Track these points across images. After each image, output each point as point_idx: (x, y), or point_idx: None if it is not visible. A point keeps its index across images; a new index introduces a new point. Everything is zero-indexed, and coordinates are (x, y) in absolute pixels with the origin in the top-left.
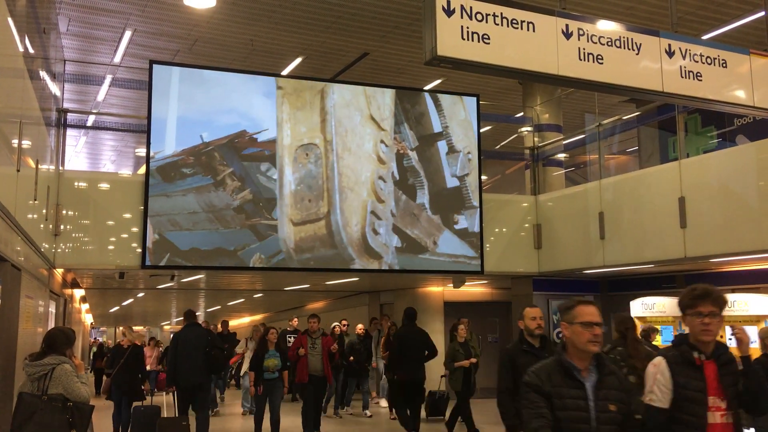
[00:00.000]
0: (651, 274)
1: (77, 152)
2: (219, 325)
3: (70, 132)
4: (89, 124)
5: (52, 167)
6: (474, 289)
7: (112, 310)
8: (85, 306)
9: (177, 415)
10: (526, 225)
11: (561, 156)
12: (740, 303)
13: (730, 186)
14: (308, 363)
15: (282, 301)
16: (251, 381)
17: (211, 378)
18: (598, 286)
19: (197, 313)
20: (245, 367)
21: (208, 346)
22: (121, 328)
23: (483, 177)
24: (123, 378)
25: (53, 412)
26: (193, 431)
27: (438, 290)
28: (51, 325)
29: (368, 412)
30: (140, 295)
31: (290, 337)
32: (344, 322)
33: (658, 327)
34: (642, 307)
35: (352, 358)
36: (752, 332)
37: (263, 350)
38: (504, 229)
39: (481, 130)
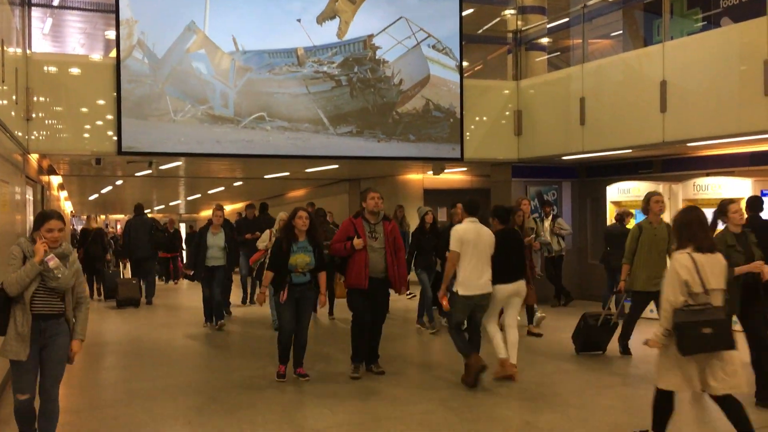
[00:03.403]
0: (628, 160)
1: (45, 35)
2: (245, 212)
3: (35, 13)
4: (55, 3)
5: (19, 50)
6: (454, 177)
7: (91, 198)
8: (64, 194)
9: (131, 277)
10: (507, 112)
11: (544, 40)
12: (714, 186)
13: (713, 69)
14: (368, 260)
15: (262, 189)
16: (265, 282)
17: (155, 252)
18: (576, 172)
19: (145, 206)
20: None
21: (151, 230)
22: (84, 216)
23: (464, 63)
24: (93, 252)
25: None
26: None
27: (418, 178)
28: (30, 211)
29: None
30: (119, 182)
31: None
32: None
33: (633, 211)
34: (618, 192)
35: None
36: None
37: (289, 241)
38: (485, 117)
39: (463, 13)
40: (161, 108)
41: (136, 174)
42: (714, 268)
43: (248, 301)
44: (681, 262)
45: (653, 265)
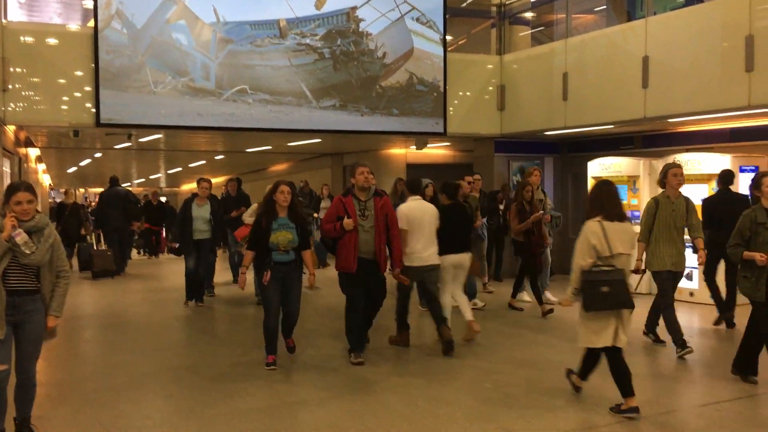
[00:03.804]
0: (610, 135)
1: (21, 3)
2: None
3: None
4: None
5: None
6: (436, 151)
7: (70, 171)
8: (42, 166)
9: (106, 249)
10: (490, 87)
11: (528, 15)
12: (693, 162)
13: (695, 45)
14: (357, 242)
15: (244, 163)
16: (245, 262)
17: (129, 224)
18: (558, 148)
19: (119, 179)
20: None
21: (125, 201)
22: (62, 189)
23: (448, 37)
24: (70, 225)
25: None
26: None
27: (401, 152)
28: (6, 182)
29: (478, 302)
30: (98, 155)
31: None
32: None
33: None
34: (599, 168)
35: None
36: (703, 191)
37: (269, 218)
38: (468, 92)
39: None
40: (141, 79)
41: (116, 146)
42: (621, 234)
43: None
44: (591, 229)
45: (675, 243)
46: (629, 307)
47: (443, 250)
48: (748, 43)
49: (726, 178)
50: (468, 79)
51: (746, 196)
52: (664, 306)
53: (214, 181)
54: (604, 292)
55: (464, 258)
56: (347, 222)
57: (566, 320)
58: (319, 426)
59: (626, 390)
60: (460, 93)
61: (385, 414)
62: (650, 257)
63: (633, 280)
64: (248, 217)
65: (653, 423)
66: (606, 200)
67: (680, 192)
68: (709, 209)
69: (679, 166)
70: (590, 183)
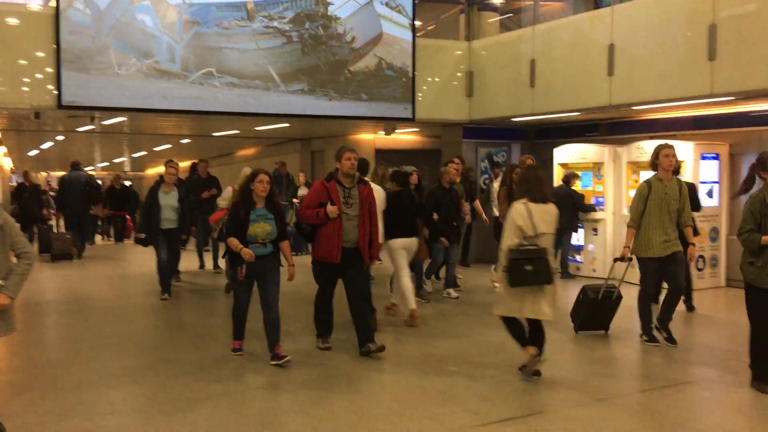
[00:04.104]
0: (576, 122)
1: None
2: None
3: None
4: None
5: None
6: (405, 137)
7: (31, 154)
8: (3, 149)
9: (65, 231)
10: (459, 73)
11: (497, 1)
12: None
13: (659, 34)
14: (341, 230)
15: (211, 147)
16: (235, 246)
17: (89, 207)
18: (525, 134)
19: (80, 162)
20: None
21: (86, 185)
22: (22, 171)
23: (417, 22)
24: (28, 207)
25: None
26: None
27: (369, 137)
28: None
29: (452, 292)
30: (60, 138)
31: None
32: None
33: (579, 173)
34: (565, 155)
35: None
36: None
37: (247, 207)
38: (437, 77)
39: None
40: (104, 61)
41: (78, 129)
42: (545, 215)
43: (215, 268)
44: (518, 211)
45: (666, 228)
46: (549, 283)
47: (392, 234)
48: (710, 33)
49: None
50: (437, 64)
51: (692, 184)
52: (642, 294)
53: (182, 165)
54: (528, 270)
55: (413, 242)
56: (331, 209)
57: None
58: (286, 410)
59: (521, 341)
60: (429, 79)
61: (354, 398)
62: (638, 243)
63: (620, 267)
64: (222, 200)
65: (617, 405)
66: (532, 184)
67: (673, 175)
68: None
69: (671, 147)
70: (557, 170)
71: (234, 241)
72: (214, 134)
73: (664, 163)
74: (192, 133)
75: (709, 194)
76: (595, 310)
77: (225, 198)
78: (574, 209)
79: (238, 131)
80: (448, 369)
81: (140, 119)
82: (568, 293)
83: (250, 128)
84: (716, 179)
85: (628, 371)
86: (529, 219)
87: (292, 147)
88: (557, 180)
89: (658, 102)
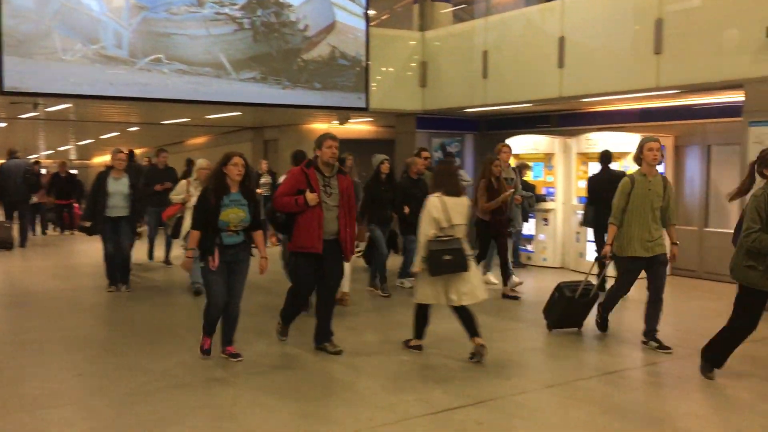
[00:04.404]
0: (527, 114)
1: None
2: (156, 158)
3: None
4: None
5: None
6: (359, 127)
7: None
8: None
9: (4, 220)
10: (413, 63)
11: None
12: (604, 141)
13: (608, 27)
14: (322, 219)
15: (160, 135)
16: (191, 243)
17: (29, 196)
18: (477, 125)
19: (18, 151)
20: (187, 226)
21: (26, 173)
22: None
23: (371, 11)
24: None
25: None
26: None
27: (323, 127)
28: None
29: (406, 282)
30: (2, 125)
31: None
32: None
33: (530, 164)
34: (517, 145)
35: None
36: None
37: (219, 193)
38: (390, 67)
39: None
40: (49, 46)
41: (21, 116)
42: (458, 207)
43: (166, 263)
44: (433, 204)
45: (649, 226)
46: (465, 270)
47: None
48: (657, 27)
49: (606, 157)
50: (390, 54)
51: (623, 173)
52: (614, 293)
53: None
54: (447, 260)
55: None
56: (311, 195)
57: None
58: (237, 401)
59: (419, 333)
60: (383, 68)
61: (306, 386)
62: (619, 241)
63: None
64: (176, 195)
65: (566, 392)
66: (445, 178)
67: (657, 170)
68: (592, 187)
69: (657, 140)
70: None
71: (194, 236)
72: (164, 122)
73: (648, 157)
74: (140, 121)
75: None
76: (570, 308)
77: (178, 192)
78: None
79: (188, 119)
80: (400, 358)
81: (86, 106)
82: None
83: (200, 116)
84: (662, 170)
85: (578, 358)
86: (444, 211)
87: (245, 136)
88: None
89: (606, 94)
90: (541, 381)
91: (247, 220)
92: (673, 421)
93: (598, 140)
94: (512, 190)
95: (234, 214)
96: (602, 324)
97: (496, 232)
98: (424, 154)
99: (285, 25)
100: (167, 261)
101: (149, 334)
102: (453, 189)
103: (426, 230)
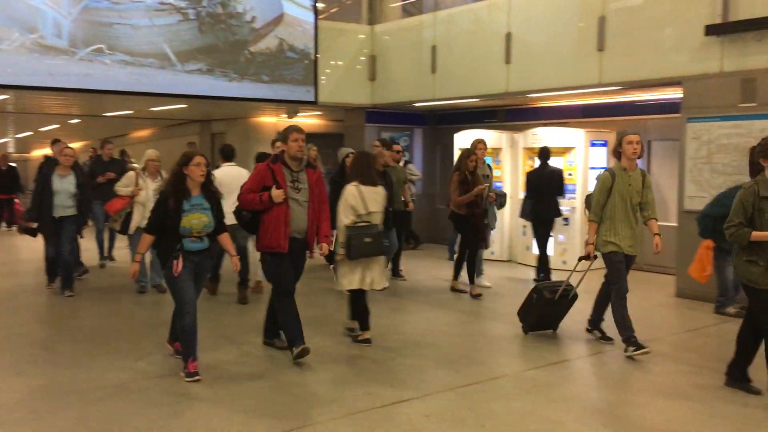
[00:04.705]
0: (475, 108)
1: None
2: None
3: None
4: None
5: None
6: (308, 121)
7: None
8: None
9: None
10: (362, 57)
11: None
12: (549, 136)
13: (554, 24)
14: (290, 217)
15: (103, 128)
16: (141, 248)
17: None
18: (426, 120)
19: None
20: (136, 222)
21: None
22: None
23: (319, 4)
24: None
25: None
26: None
27: (271, 120)
28: None
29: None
30: None
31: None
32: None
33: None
34: (465, 140)
35: None
36: (558, 163)
37: (179, 197)
38: (340, 61)
39: None
40: None
41: None
42: (374, 196)
43: (108, 258)
44: (351, 192)
45: (632, 224)
46: (383, 254)
47: None
48: (600, 24)
49: (544, 153)
50: (339, 48)
51: (559, 169)
52: (618, 295)
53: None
54: (367, 242)
55: None
56: (276, 192)
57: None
58: (187, 398)
59: (364, 325)
60: (332, 62)
61: (254, 383)
62: (602, 238)
63: (583, 266)
64: (122, 187)
65: (509, 383)
66: (363, 168)
67: (637, 164)
68: (531, 182)
69: (636, 134)
70: (457, 155)
71: (146, 240)
72: (106, 114)
73: (627, 150)
74: (82, 112)
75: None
76: (548, 310)
77: (125, 184)
78: None
79: (132, 111)
80: (350, 353)
81: (24, 97)
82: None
83: (144, 108)
84: (605, 165)
85: (524, 350)
86: (361, 199)
87: (191, 129)
88: None
89: (551, 90)
90: (488, 373)
91: (210, 225)
92: (613, 409)
93: (544, 135)
94: (487, 185)
95: (197, 219)
96: (596, 324)
97: (474, 225)
98: (396, 147)
99: (232, 17)
100: (110, 256)
101: (92, 333)
102: (369, 179)
103: (344, 218)
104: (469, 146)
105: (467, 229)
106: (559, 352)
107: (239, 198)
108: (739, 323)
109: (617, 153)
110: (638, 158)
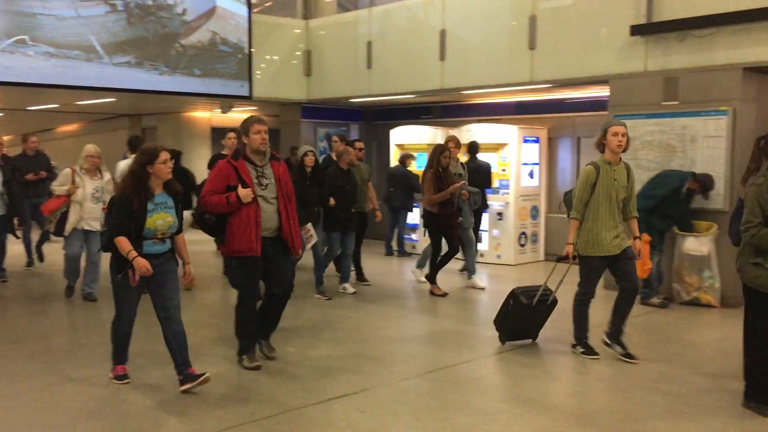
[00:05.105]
0: (411, 104)
1: None
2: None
3: None
4: None
5: None
6: (243, 116)
7: None
8: None
9: None
10: (298, 52)
11: None
12: (483, 132)
13: (487, 22)
14: (259, 216)
15: (27, 122)
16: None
17: None
18: (362, 115)
19: None
20: (72, 222)
21: None
22: None
23: None
24: None
25: None
26: None
27: (205, 116)
28: None
29: (349, 287)
30: None
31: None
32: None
33: (414, 154)
34: (401, 136)
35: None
36: (492, 159)
37: (144, 197)
38: (275, 56)
39: None
40: None
41: None
42: None
43: (38, 260)
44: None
45: (616, 221)
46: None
47: None
48: (531, 23)
49: (473, 148)
50: (274, 42)
51: (487, 163)
52: (582, 299)
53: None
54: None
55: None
56: (245, 192)
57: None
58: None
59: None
60: (267, 56)
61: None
62: (584, 239)
63: (561, 268)
64: (59, 186)
65: (445, 376)
66: None
67: (621, 157)
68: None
69: (622, 124)
70: (393, 150)
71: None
72: (30, 108)
73: (612, 143)
74: (3, 106)
75: (530, 175)
76: (526, 317)
77: (62, 183)
78: (409, 189)
79: (57, 105)
80: (286, 350)
81: None
82: (404, 270)
83: (71, 102)
84: (537, 161)
85: (458, 345)
86: None
87: (121, 123)
88: (394, 160)
89: (484, 87)
90: (423, 367)
91: (175, 225)
92: (543, 399)
93: (477, 131)
94: (463, 182)
95: (162, 219)
96: (616, 336)
97: (446, 225)
98: (358, 144)
99: (162, 9)
100: (40, 256)
101: (27, 340)
102: None
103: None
104: (402, 142)
105: (436, 229)
106: (495, 346)
107: (201, 200)
108: (663, 313)
109: (601, 145)
110: (623, 151)
